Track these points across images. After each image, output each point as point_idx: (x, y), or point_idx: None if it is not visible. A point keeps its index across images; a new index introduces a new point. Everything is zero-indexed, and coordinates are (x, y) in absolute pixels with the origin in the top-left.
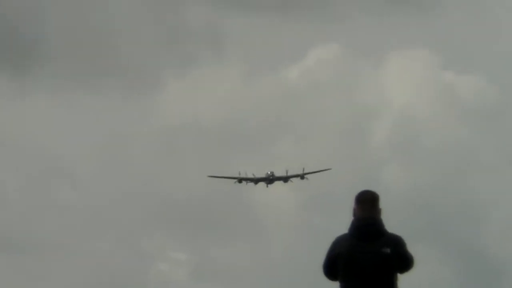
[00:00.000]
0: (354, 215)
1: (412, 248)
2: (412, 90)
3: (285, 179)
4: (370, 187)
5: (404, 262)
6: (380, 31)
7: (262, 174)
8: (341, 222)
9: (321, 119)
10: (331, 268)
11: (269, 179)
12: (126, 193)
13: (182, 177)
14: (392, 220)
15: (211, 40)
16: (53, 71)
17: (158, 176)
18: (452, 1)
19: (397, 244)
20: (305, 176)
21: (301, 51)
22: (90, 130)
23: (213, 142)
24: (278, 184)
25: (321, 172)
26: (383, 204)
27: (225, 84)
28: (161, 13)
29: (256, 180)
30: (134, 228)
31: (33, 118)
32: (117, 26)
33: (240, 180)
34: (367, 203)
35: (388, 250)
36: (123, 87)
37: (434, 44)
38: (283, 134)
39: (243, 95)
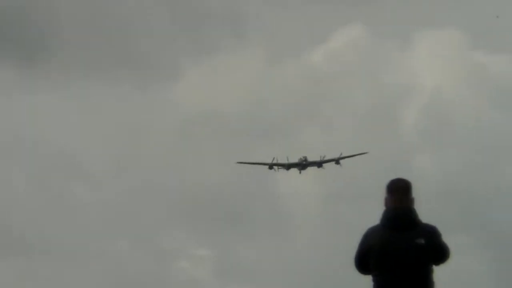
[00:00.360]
0: (386, 205)
1: (447, 238)
2: (441, 71)
3: (319, 164)
4: (404, 173)
5: (439, 253)
6: (407, 10)
7: (294, 160)
8: (374, 212)
9: (349, 102)
10: (363, 261)
11: (302, 164)
12: (146, 186)
13: (205, 167)
14: (426, 210)
15: (231, 26)
16: (65, 62)
17: (180, 167)
18: None
19: (432, 234)
20: (340, 161)
21: (324, 34)
22: (106, 122)
23: (237, 131)
24: (312, 169)
25: (357, 157)
26: (415, 192)
27: (247, 71)
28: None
29: (288, 166)
30: (156, 223)
31: (46, 111)
32: (132, 14)
33: (271, 166)
34: (399, 192)
35: (422, 241)
36: (141, 77)
37: (463, 23)
38: (310, 120)
39: (266, 81)
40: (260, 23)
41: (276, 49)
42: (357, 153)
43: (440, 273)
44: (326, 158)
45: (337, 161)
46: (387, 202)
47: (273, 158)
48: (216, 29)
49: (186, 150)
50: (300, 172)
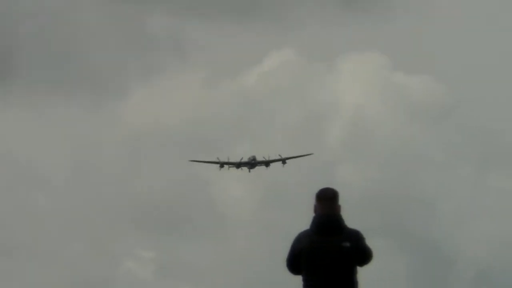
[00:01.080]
0: (315, 211)
1: (370, 242)
2: (363, 91)
3: (267, 163)
4: (330, 183)
5: (363, 255)
6: (333, 35)
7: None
8: (302, 218)
9: (277, 121)
10: (294, 262)
11: (251, 163)
12: (96, 197)
13: (150, 175)
14: (350, 215)
15: (173, 48)
16: (20, 80)
17: (126, 180)
18: (400, 5)
19: (356, 238)
20: (287, 160)
21: (258, 57)
22: (61, 136)
23: (178, 144)
24: (260, 168)
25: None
26: (342, 200)
27: (187, 90)
28: (125, 22)
29: (238, 164)
30: (106, 230)
31: (2, 126)
32: (82, 35)
33: (222, 164)
34: (327, 200)
35: (348, 244)
36: (90, 95)
37: (384, 47)
38: (243, 137)
39: (204, 101)
40: (201, 46)
41: (213, 71)
42: (302, 154)
43: (363, 273)
44: (271, 159)
45: (283, 160)
46: (317, 209)
47: (227, 158)
48: (160, 52)
49: (132, 161)
50: (249, 171)
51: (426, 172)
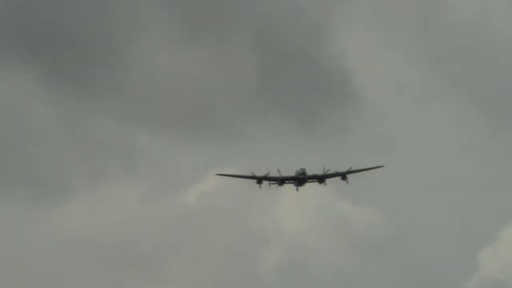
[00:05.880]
0: None
1: None
2: (305, 218)
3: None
4: None
5: None
6: (277, 153)
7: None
8: None
9: (213, 244)
10: None
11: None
12: None
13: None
14: None
15: (120, 155)
16: None
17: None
18: (354, 132)
19: None
20: None
21: (201, 173)
22: None
23: (107, 259)
24: None
25: None
26: None
27: (127, 201)
28: (72, 125)
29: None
30: None
31: None
32: (29, 137)
33: (260, 180)
34: None
35: None
36: (33, 197)
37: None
38: (172, 257)
39: (141, 215)
40: (146, 157)
41: (156, 185)
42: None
43: None
44: None
45: None
46: None
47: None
48: (105, 158)
49: (60, 271)
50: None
51: None
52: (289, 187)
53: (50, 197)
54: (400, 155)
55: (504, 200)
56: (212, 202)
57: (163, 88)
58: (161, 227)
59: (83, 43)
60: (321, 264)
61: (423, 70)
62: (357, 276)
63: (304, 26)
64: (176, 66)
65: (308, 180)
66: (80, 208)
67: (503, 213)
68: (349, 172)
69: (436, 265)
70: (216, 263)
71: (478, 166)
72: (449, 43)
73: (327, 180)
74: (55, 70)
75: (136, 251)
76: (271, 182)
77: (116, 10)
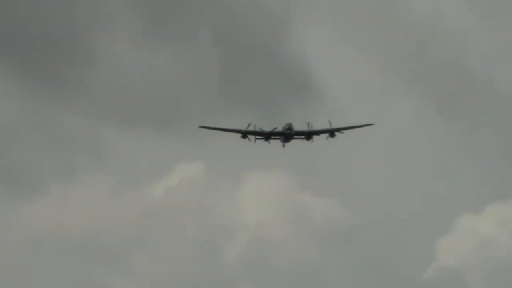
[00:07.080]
0: None
1: None
2: (267, 210)
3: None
4: None
5: None
6: (244, 152)
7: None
8: None
9: (178, 237)
10: None
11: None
12: None
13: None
14: None
15: (88, 151)
16: None
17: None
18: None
19: None
20: None
21: (168, 169)
22: None
23: (76, 254)
24: None
25: None
26: None
27: (95, 196)
28: (40, 122)
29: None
30: None
31: None
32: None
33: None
34: None
35: None
36: (0, 192)
37: (292, 167)
38: (139, 251)
39: (110, 209)
40: (115, 151)
41: (124, 179)
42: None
43: None
44: None
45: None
46: None
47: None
48: (74, 153)
49: (30, 267)
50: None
51: None
52: (276, 143)
53: (18, 193)
54: (359, 150)
55: (460, 191)
56: (179, 196)
57: (129, 84)
58: (130, 221)
59: (49, 40)
60: (280, 255)
61: (380, 67)
62: (318, 267)
63: (265, 23)
64: (140, 62)
65: (295, 137)
66: (48, 203)
67: (459, 203)
68: (338, 129)
69: (394, 254)
70: (184, 255)
71: (434, 160)
72: (406, 41)
73: (315, 137)
74: (23, 67)
75: (104, 245)
76: (257, 137)
77: (81, 8)
